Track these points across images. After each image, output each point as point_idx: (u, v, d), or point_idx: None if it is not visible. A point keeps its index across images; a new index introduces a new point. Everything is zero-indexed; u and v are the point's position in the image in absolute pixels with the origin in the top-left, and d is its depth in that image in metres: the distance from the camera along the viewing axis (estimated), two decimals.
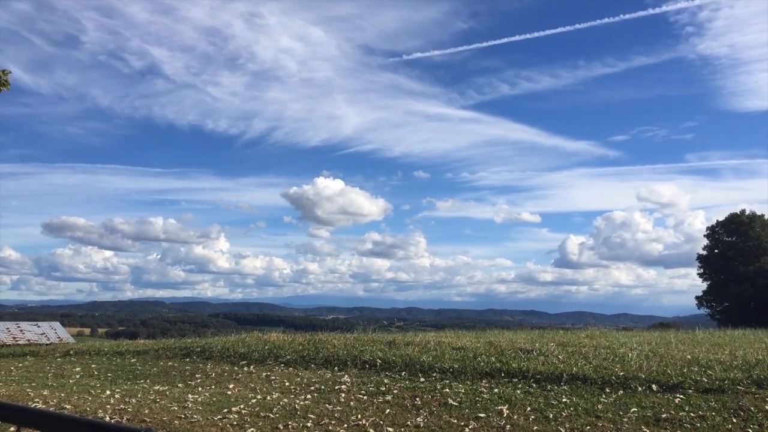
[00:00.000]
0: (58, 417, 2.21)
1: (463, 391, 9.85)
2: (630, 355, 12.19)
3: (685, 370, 10.29)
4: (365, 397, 9.71)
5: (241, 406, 9.13)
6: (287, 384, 11.01)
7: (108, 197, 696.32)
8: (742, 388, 9.18)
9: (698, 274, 56.70)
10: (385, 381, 10.89)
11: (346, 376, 11.50)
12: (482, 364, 11.56)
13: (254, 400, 9.61)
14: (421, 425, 8.04)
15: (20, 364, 15.12)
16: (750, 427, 7.53)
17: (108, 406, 9.20)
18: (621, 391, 9.44)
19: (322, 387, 10.57)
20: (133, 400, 9.72)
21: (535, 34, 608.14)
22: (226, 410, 8.88)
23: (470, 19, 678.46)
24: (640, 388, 9.51)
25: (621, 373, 10.24)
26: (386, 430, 7.88)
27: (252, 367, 13.02)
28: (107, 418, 8.51)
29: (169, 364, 14.05)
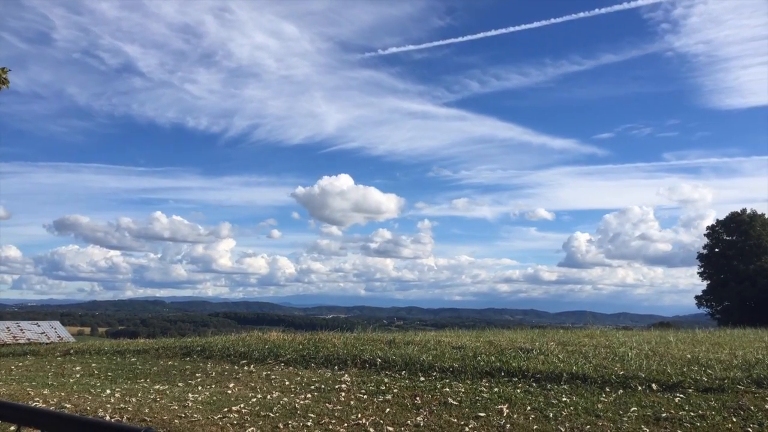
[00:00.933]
0: (58, 416, 2.21)
1: (463, 390, 9.86)
2: (630, 354, 12.20)
3: (685, 370, 10.30)
4: (365, 396, 9.72)
5: (242, 405, 9.13)
6: (287, 383, 11.01)
7: (95, 196, 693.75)
8: (742, 388, 9.18)
9: (698, 273, 56.72)
10: (385, 380, 10.90)
11: (346, 375, 11.51)
12: (482, 363, 11.57)
13: (254, 399, 9.61)
14: (421, 424, 8.05)
15: (20, 364, 15.13)
16: (750, 427, 7.53)
17: (108, 405, 9.20)
18: (621, 391, 9.45)
19: (322, 386, 10.58)
20: (134, 399, 9.73)
21: (512, 29, 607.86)
22: (226, 409, 8.89)
23: (447, 15, 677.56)
24: (639, 388, 9.51)
25: (621, 373, 10.25)
26: (386, 429, 7.89)
27: (252, 366, 13.03)
28: (107, 417, 8.51)
29: (170, 363, 14.06)
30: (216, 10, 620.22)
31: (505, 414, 8.40)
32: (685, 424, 7.74)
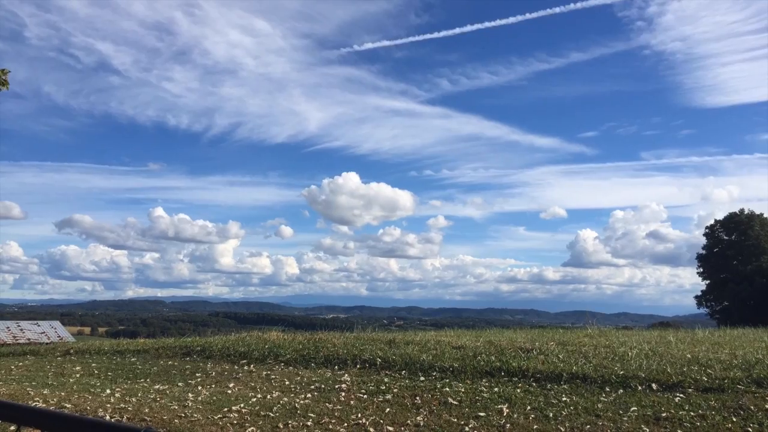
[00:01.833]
0: (58, 416, 2.21)
1: (463, 390, 9.86)
2: (630, 354, 12.19)
3: (684, 369, 10.30)
4: (365, 396, 9.72)
5: (242, 405, 9.13)
6: (287, 383, 11.01)
7: (84, 196, 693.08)
8: (742, 387, 9.18)
9: (698, 273, 56.76)
10: (385, 380, 10.90)
11: (346, 375, 11.51)
12: (482, 363, 11.57)
13: (254, 399, 9.61)
14: (421, 424, 8.04)
15: (20, 363, 15.13)
16: (750, 426, 7.53)
17: (108, 405, 9.20)
18: (621, 390, 9.45)
19: (322, 386, 10.57)
20: (134, 399, 9.72)
21: (487, 24, 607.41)
22: (226, 409, 8.89)
23: (424, 12, 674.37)
24: (639, 387, 9.51)
25: (621, 372, 10.25)
26: (386, 428, 7.89)
27: (252, 366, 13.02)
28: (107, 417, 8.51)
29: (169, 363, 14.06)
30: (185, 6, 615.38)
31: (505, 414, 8.40)
32: (685, 423, 7.74)
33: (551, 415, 8.28)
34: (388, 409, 8.84)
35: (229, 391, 10.43)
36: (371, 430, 7.88)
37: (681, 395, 8.99)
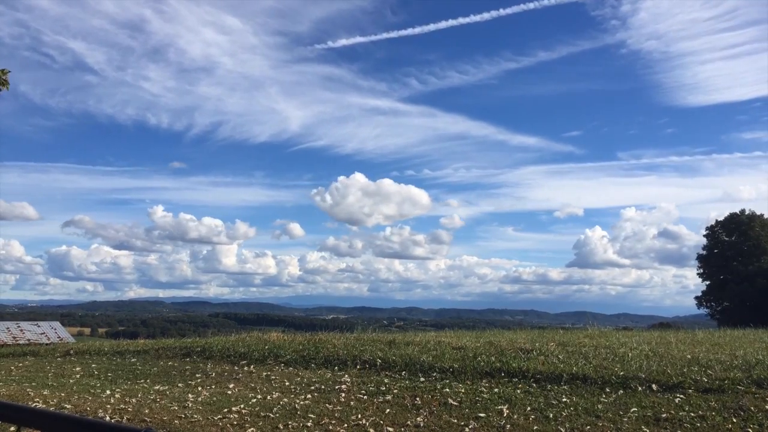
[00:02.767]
0: (58, 417, 2.21)
1: (463, 390, 9.85)
2: (630, 354, 12.19)
3: (685, 370, 10.30)
4: (365, 397, 9.71)
5: (242, 406, 9.13)
6: (287, 384, 11.01)
7: (71, 197, 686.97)
8: (742, 388, 9.18)
9: (698, 273, 56.73)
10: (385, 381, 10.89)
11: (346, 375, 11.50)
12: (482, 363, 11.56)
13: (254, 400, 9.61)
14: (421, 425, 8.04)
15: (20, 364, 15.13)
16: (750, 427, 7.53)
17: (108, 406, 9.20)
18: (621, 391, 9.45)
19: (322, 387, 10.57)
20: (134, 400, 9.72)
21: (461, 20, 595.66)
22: (226, 410, 8.89)
23: (401, 9, 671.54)
24: (640, 388, 9.51)
25: (621, 373, 10.24)
26: (386, 429, 7.88)
27: (252, 366, 13.02)
28: (107, 418, 8.51)
29: (169, 363, 14.05)
30: (153, 3, 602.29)
31: (505, 414, 8.40)
32: (685, 424, 7.73)
33: (551, 415, 8.28)
34: (388, 410, 8.83)
35: (229, 392, 10.43)
36: (371, 430, 7.88)
37: (681, 396, 8.99)
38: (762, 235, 52.87)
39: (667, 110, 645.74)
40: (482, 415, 8.40)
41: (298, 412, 8.73)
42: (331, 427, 7.98)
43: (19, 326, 45.51)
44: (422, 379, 10.97)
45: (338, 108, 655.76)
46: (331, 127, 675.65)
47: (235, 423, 8.21)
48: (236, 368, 12.92)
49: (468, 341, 14.64)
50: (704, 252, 56.58)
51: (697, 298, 56.87)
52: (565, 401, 8.97)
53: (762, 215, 54.36)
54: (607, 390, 9.55)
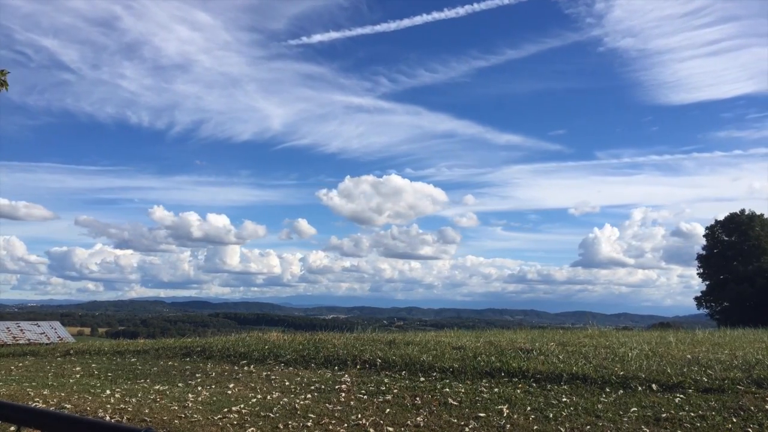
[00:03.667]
0: (58, 416, 2.20)
1: (463, 390, 9.85)
2: (630, 354, 12.19)
3: (685, 370, 10.30)
4: (365, 397, 9.72)
5: (242, 406, 9.13)
6: (287, 383, 11.01)
7: (60, 197, 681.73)
8: (742, 388, 9.18)
9: (698, 273, 56.74)
10: (385, 380, 10.89)
11: (346, 375, 11.50)
12: (482, 363, 11.56)
13: (254, 400, 9.61)
14: (421, 425, 8.04)
15: (20, 364, 15.13)
16: (750, 427, 7.53)
17: (108, 406, 9.20)
18: (621, 391, 9.45)
19: (322, 386, 10.57)
20: (134, 400, 9.72)
21: (436, 16, 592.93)
22: (226, 410, 8.89)
23: (377, 5, 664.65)
24: (640, 388, 9.51)
25: (621, 373, 10.24)
26: (386, 429, 7.88)
27: (252, 366, 13.02)
28: (107, 418, 8.51)
29: (169, 363, 14.06)
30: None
31: (505, 414, 8.40)
32: (685, 424, 7.74)
33: (551, 415, 8.28)
34: (388, 410, 8.83)
35: (229, 392, 10.43)
36: (371, 430, 7.88)
37: (681, 396, 8.99)
38: (762, 235, 52.89)
39: (651, 109, 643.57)
40: (482, 414, 8.40)
41: (298, 412, 8.73)
42: (331, 427, 7.98)
43: (19, 326, 45.53)
44: (422, 378, 10.97)
45: (318, 106, 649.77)
46: (314, 126, 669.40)
47: (235, 423, 8.21)
48: (236, 368, 12.92)
49: (468, 341, 14.64)
50: (704, 252, 56.60)
51: (697, 298, 56.89)
52: (565, 401, 8.97)
53: (762, 215, 54.39)
54: (607, 390, 9.55)
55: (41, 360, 15.95)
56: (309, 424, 8.13)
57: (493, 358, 12.05)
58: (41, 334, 43.92)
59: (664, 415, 8.10)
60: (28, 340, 40.99)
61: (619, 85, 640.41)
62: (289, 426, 8.06)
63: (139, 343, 18.38)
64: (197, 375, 12.36)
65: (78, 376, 12.92)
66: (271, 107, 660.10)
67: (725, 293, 52.58)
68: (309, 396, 9.86)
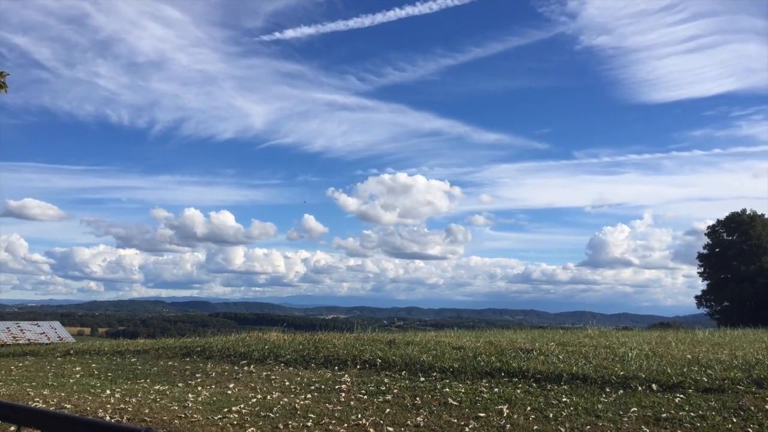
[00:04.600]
0: (58, 416, 2.21)
1: (463, 390, 9.85)
2: (630, 354, 12.19)
3: (685, 370, 10.30)
4: (365, 397, 9.72)
5: (242, 406, 9.13)
6: (287, 383, 11.01)
7: (50, 197, 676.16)
8: (742, 388, 9.18)
9: (698, 273, 56.75)
10: (385, 380, 10.89)
11: (347, 375, 11.50)
12: (482, 363, 11.56)
13: (254, 400, 9.61)
14: (421, 425, 8.04)
15: (20, 364, 15.13)
16: (750, 427, 7.53)
17: (108, 406, 9.20)
18: (621, 391, 9.45)
19: (323, 386, 10.57)
20: (134, 400, 9.72)
21: (409, 11, 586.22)
22: (226, 410, 8.89)
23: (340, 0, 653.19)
24: (640, 388, 9.51)
25: (621, 373, 10.24)
26: (386, 429, 7.89)
27: (252, 366, 13.02)
28: (107, 418, 8.51)
29: (169, 363, 14.05)
30: None
31: (505, 414, 8.40)
32: (685, 424, 7.74)
33: (551, 415, 8.28)
34: (388, 410, 8.83)
35: (229, 392, 10.43)
36: (371, 430, 7.88)
37: (681, 396, 8.99)
38: (763, 235, 52.90)
39: (633, 107, 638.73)
40: (482, 414, 8.40)
41: (298, 412, 8.73)
42: (331, 427, 7.98)
43: (19, 326, 45.56)
44: (422, 378, 10.97)
45: (298, 103, 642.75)
46: (296, 124, 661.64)
47: (235, 423, 8.21)
48: (236, 368, 12.92)
49: (468, 341, 14.63)
50: (705, 251, 56.61)
51: (697, 297, 56.90)
52: (565, 401, 8.97)
53: (763, 215, 54.44)
54: (607, 390, 9.55)
55: (41, 360, 15.95)
56: (309, 424, 8.14)
57: (493, 358, 12.05)
58: (41, 334, 43.95)
59: (664, 415, 8.10)
60: (28, 340, 41.01)
61: (598, 84, 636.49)
62: (289, 426, 8.06)
63: (139, 343, 18.37)
64: (197, 375, 12.36)
65: (78, 376, 12.92)
66: (250, 105, 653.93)
67: (725, 293, 52.59)
68: (309, 396, 9.86)
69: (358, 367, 12.26)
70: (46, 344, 25.98)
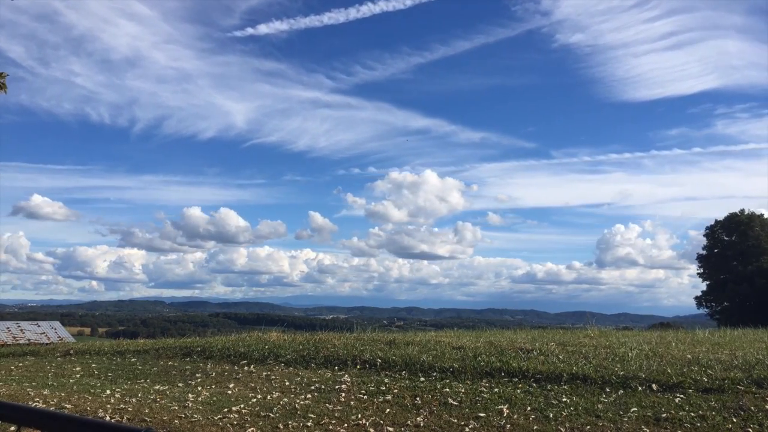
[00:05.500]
0: (58, 416, 2.21)
1: (463, 390, 9.85)
2: (630, 354, 12.19)
3: (685, 370, 10.30)
4: (365, 397, 9.72)
5: (242, 406, 9.13)
6: (287, 383, 11.01)
7: (39, 198, 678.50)
8: (742, 388, 9.18)
9: (698, 273, 56.76)
10: (386, 380, 10.89)
11: (347, 375, 11.50)
12: (482, 363, 11.57)
13: (254, 400, 9.61)
14: (421, 425, 8.04)
15: (20, 364, 15.13)
16: (750, 427, 7.53)
17: (108, 406, 9.20)
18: (621, 391, 9.45)
19: (323, 386, 10.57)
20: (134, 400, 9.72)
21: (381, 6, 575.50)
22: (226, 410, 8.89)
23: None
24: (640, 388, 9.51)
25: (621, 373, 10.24)
26: (386, 429, 7.89)
27: (252, 366, 13.02)
28: (107, 418, 8.51)
29: (170, 363, 14.06)
30: None
31: (505, 414, 8.40)
32: (685, 424, 7.74)
33: (551, 415, 8.28)
34: (388, 410, 8.84)
35: (229, 392, 10.43)
36: (371, 430, 7.88)
37: (681, 396, 8.99)
38: (762, 235, 52.90)
39: (611, 106, 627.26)
40: (482, 414, 8.40)
41: (298, 412, 8.73)
42: (331, 427, 7.98)
43: (19, 326, 45.58)
44: (422, 378, 10.97)
45: (278, 101, 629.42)
46: (278, 122, 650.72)
47: (235, 423, 8.21)
48: (236, 368, 12.92)
49: (468, 341, 14.64)
50: (704, 252, 56.62)
51: (696, 298, 56.93)
52: (565, 401, 8.97)
53: (762, 215, 54.43)
54: (607, 390, 9.55)
55: (41, 360, 15.95)
56: (309, 424, 8.14)
57: (493, 358, 12.05)
58: (41, 334, 43.96)
59: (664, 415, 8.10)
60: (28, 340, 41.02)
61: (576, 82, 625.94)
62: (289, 426, 8.06)
63: (139, 343, 18.37)
64: (197, 375, 12.36)
65: (78, 376, 12.92)
66: (229, 103, 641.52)
67: (725, 293, 52.60)
68: (309, 396, 9.86)
69: (358, 367, 12.26)
70: (46, 344, 25.99)
